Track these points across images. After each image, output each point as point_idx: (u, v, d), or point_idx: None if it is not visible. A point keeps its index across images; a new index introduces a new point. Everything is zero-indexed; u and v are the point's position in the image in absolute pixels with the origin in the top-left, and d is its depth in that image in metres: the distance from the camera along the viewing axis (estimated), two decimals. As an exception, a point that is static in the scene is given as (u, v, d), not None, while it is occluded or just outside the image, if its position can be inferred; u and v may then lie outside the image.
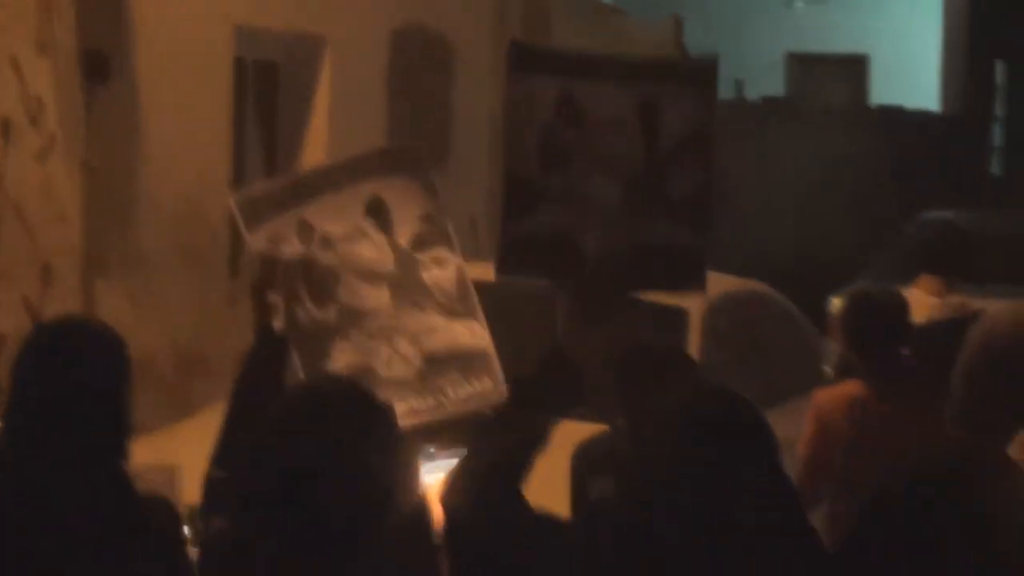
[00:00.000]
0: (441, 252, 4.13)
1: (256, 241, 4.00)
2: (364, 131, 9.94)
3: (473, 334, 3.95)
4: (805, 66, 21.02)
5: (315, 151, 9.98)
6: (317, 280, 3.94)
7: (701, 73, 4.53)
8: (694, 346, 6.64)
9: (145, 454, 3.99)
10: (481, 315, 4.04)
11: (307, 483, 2.28)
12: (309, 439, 2.31)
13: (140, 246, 7.74)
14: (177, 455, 4.52)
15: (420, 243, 4.15)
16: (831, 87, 20.08)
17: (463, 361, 3.84)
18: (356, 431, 2.35)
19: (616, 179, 4.09)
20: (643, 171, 4.21)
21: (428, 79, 10.79)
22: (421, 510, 2.78)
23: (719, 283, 6.98)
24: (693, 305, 6.61)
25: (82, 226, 7.34)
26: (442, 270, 4.15)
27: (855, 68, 20.33)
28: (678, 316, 6.59)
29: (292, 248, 3.94)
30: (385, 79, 10.25)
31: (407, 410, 3.55)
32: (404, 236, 4.13)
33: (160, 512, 2.90)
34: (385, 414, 2.48)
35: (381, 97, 10.20)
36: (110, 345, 2.87)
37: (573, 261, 3.91)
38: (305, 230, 4.03)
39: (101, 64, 7.23)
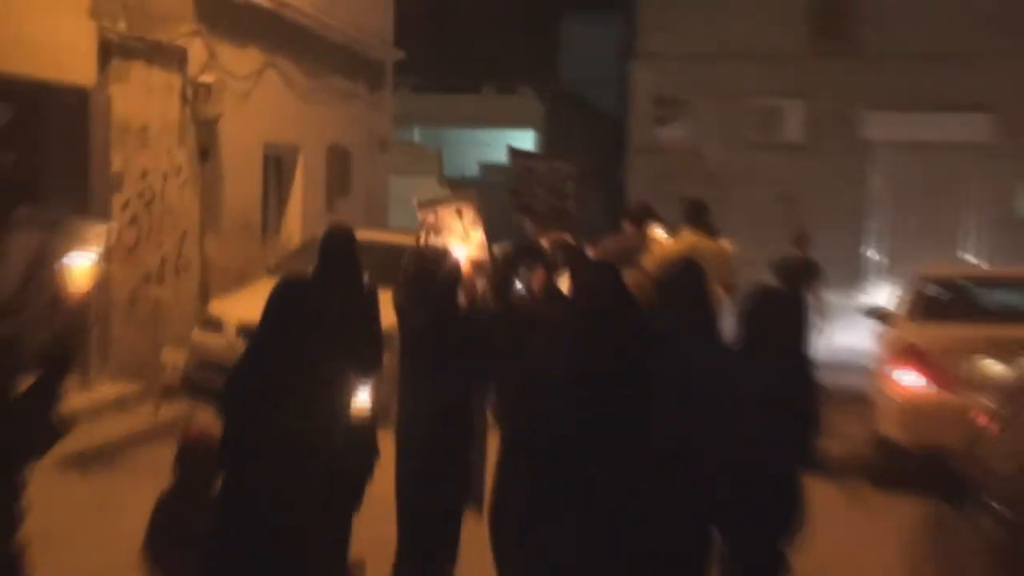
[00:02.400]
0: (479, 231, 7.35)
1: (422, 214, 7.42)
2: (316, 189, 14.98)
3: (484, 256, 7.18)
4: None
5: (296, 196, 14.58)
6: (435, 231, 7.24)
7: None
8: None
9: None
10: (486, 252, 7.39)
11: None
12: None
13: (221, 226, 12.23)
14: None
15: (472, 224, 7.39)
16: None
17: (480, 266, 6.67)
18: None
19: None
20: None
21: (340, 168, 15.80)
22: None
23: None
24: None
25: (199, 215, 11.75)
26: (477, 233, 7.32)
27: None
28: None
29: (430, 219, 7.33)
30: (325, 166, 15.23)
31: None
32: (468, 222, 7.40)
33: None
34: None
35: (322, 174, 15.13)
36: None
37: None
38: (435, 214, 7.38)
39: (205, 152, 11.67)
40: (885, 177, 20.38)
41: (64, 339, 3.55)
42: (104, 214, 9.83)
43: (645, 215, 9.26)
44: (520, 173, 10.36)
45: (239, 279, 12.09)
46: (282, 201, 14.49)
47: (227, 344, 10.01)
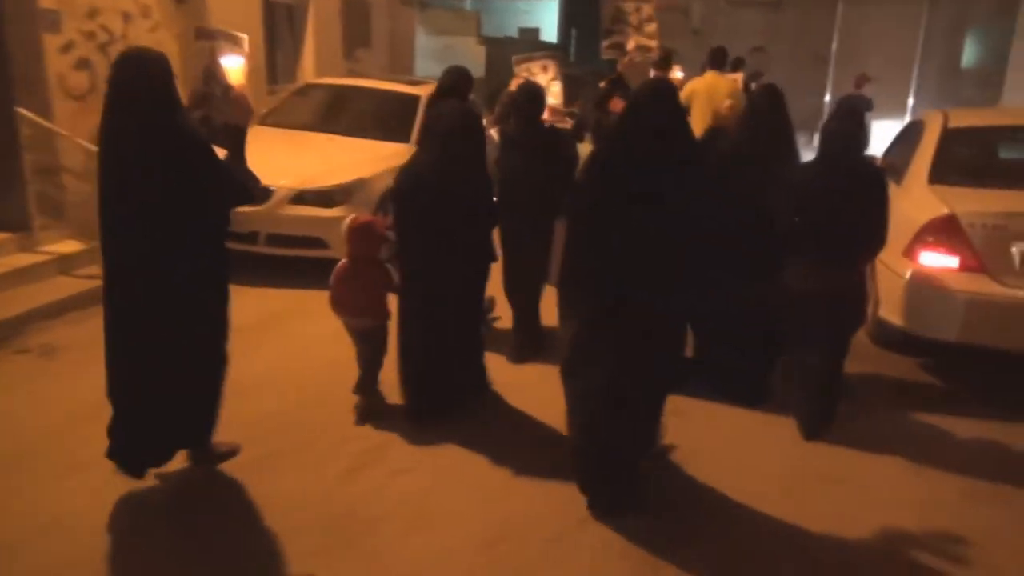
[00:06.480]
0: (558, 83, 7.72)
1: (517, 68, 7.58)
2: (332, 39, 10.99)
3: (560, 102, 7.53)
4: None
5: (309, 45, 10.69)
6: (524, 74, 7.34)
7: None
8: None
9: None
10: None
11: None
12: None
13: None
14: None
15: (554, 79, 7.63)
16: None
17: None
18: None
19: None
20: None
21: (359, 20, 11.79)
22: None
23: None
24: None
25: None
26: (556, 85, 7.71)
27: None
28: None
29: (523, 72, 7.44)
30: (340, 17, 11.17)
31: None
32: (550, 76, 7.54)
33: None
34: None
35: (337, 25, 11.10)
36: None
37: None
38: (527, 69, 7.54)
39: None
40: (845, 30, 17.46)
41: (238, 118, 3.14)
42: (34, 55, 6.10)
43: (667, 62, 8.47)
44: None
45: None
46: (296, 50, 10.41)
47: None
